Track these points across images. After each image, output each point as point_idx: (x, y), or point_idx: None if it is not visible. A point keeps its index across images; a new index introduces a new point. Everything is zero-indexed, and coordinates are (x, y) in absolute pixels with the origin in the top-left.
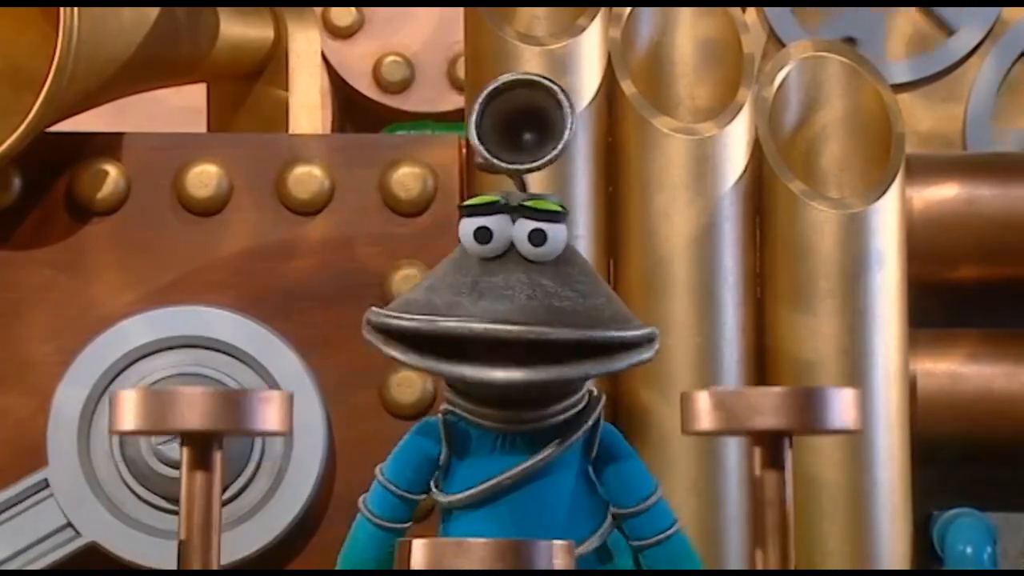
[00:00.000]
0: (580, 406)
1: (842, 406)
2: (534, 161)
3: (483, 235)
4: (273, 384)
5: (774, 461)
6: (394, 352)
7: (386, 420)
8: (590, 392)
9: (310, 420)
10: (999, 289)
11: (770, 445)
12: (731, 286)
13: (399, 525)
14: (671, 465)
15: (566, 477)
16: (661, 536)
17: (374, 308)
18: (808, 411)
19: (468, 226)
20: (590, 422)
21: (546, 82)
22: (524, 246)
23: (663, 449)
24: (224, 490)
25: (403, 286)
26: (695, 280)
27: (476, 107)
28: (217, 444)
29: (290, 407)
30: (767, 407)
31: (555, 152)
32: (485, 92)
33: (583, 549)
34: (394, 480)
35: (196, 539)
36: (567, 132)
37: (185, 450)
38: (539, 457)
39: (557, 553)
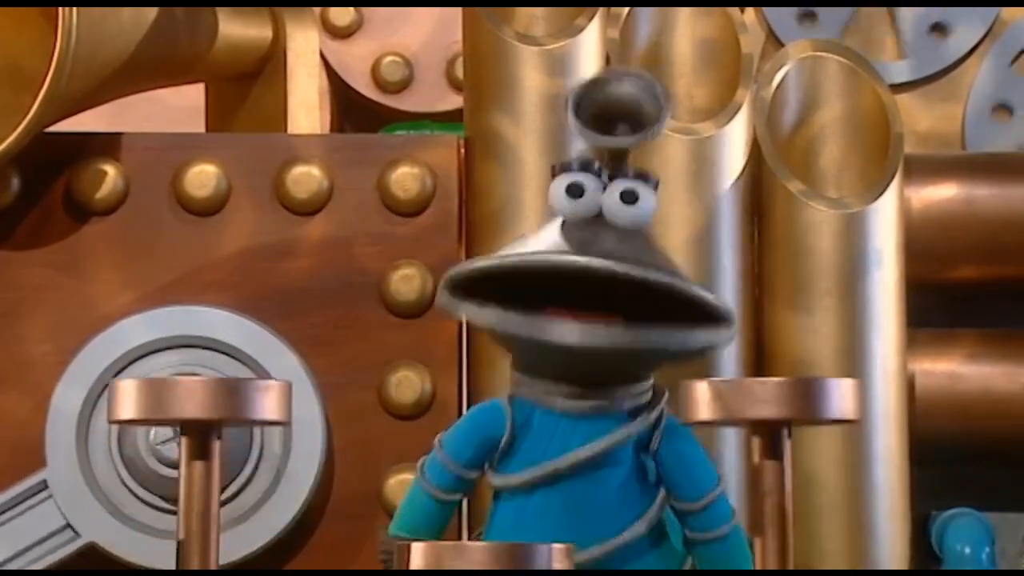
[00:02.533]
0: (645, 398)
1: (841, 396)
2: (636, 136)
3: (575, 190)
4: None
5: (773, 451)
6: (487, 317)
7: (385, 420)
8: (655, 387)
9: (309, 420)
10: (998, 289)
11: (769, 435)
12: (729, 286)
13: (453, 497)
14: None
15: (620, 469)
16: (716, 534)
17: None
18: (807, 401)
19: (560, 183)
20: (653, 416)
21: (638, 77)
22: (614, 207)
23: None
24: (223, 490)
25: (402, 286)
26: (693, 280)
27: (572, 97)
28: (216, 434)
29: (289, 396)
30: (766, 397)
31: (658, 128)
32: (576, 95)
33: (630, 535)
34: (454, 457)
35: (195, 529)
36: (664, 115)
37: (184, 440)
38: (599, 446)
39: (556, 556)
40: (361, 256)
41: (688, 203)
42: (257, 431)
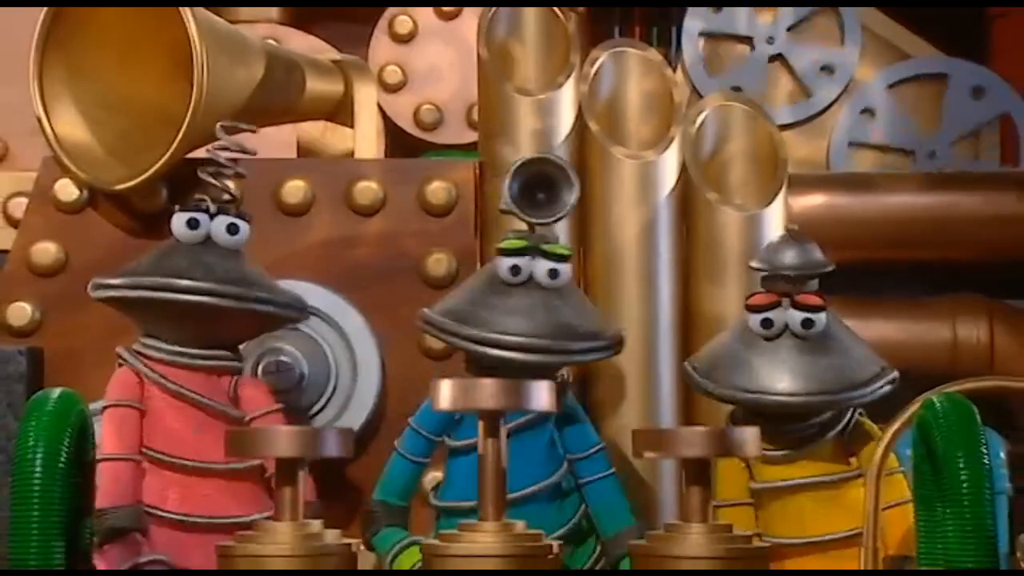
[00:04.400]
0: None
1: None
2: (551, 217)
3: (515, 271)
4: (344, 335)
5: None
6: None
7: (423, 362)
8: (562, 375)
9: (369, 362)
10: (854, 268)
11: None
12: (666, 269)
13: (423, 460)
14: (622, 412)
15: (542, 433)
16: (600, 476)
17: (425, 311)
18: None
19: (505, 263)
20: (568, 395)
21: (557, 160)
22: (544, 279)
23: (615, 399)
24: (311, 406)
25: (434, 267)
26: (641, 265)
27: (509, 178)
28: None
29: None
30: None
31: (566, 211)
32: (515, 167)
33: (548, 482)
34: (425, 425)
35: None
36: (574, 195)
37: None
38: (528, 415)
39: (543, 389)
40: (406, 245)
41: (635, 208)
42: (333, 368)
